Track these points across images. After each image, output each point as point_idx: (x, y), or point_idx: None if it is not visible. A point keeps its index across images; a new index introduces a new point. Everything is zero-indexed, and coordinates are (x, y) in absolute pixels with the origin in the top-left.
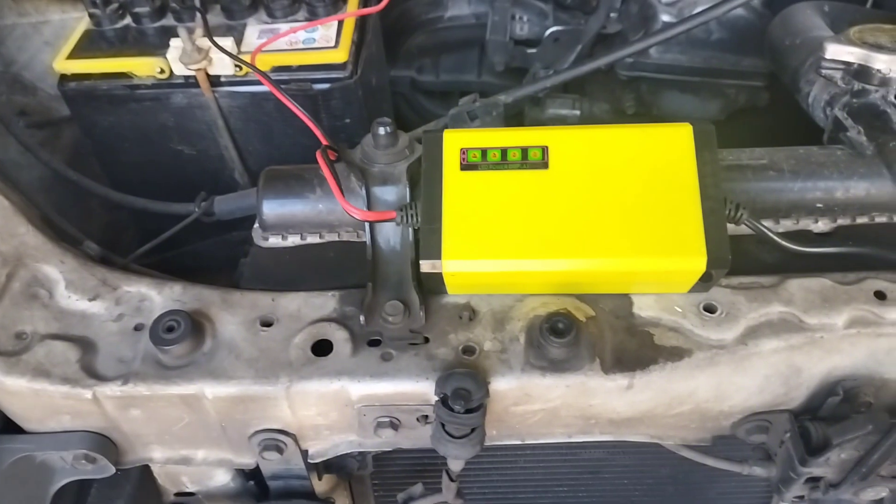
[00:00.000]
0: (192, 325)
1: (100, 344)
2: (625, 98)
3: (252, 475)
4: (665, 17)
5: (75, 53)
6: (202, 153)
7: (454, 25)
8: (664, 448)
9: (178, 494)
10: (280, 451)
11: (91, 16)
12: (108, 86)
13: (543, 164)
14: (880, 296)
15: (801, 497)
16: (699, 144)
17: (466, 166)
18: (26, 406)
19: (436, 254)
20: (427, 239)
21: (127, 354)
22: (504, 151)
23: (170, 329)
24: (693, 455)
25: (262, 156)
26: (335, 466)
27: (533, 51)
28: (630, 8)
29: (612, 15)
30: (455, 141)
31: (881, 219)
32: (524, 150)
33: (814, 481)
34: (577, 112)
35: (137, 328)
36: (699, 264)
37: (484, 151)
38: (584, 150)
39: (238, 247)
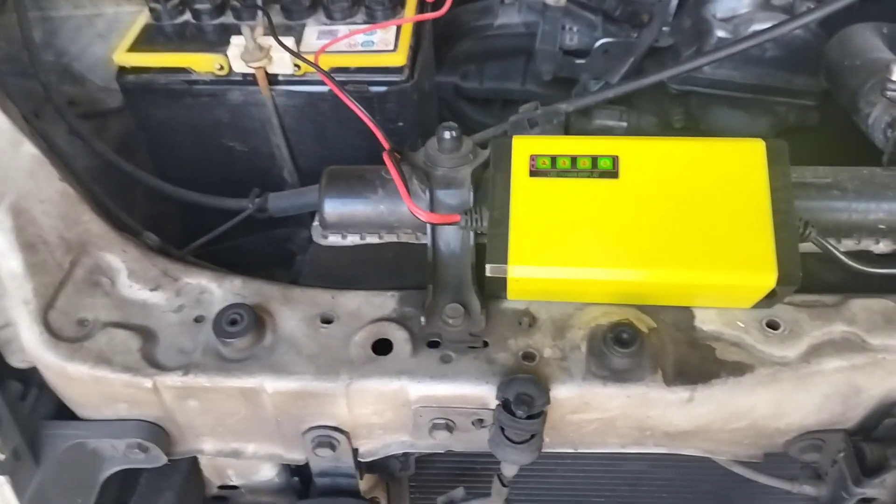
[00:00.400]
0: (255, 319)
1: (160, 334)
2: (673, 111)
3: (297, 471)
4: (720, 33)
5: (135, 47)
6: (253, 150)
7: (503, 34)
8: (709, 463)
9: (221, 487)
10: (333, 448)
11: (151, 10)
12: (166, 80)
13: (613, 174)
14: None
15: None
16: (772, 160)
17: (535, 172)
18: (85, 393)
19: (502, 258)
20: (494, 243)
21: (187, 345)
22: (574, 159)
23: (233, 322)
24: (744, 471)
25: (313, 156)
26: (378, 466)
27: (581, 61)
28: (683, 22)
29: (665, 29)
30: (525, 147)
31: None
32: (594, 159)
33: (865, 502)
34: (625, 124)
35: (198, 320)
36: (769, 280)
37: (553, 159)
38: (655, 162)
39: (280, 244)
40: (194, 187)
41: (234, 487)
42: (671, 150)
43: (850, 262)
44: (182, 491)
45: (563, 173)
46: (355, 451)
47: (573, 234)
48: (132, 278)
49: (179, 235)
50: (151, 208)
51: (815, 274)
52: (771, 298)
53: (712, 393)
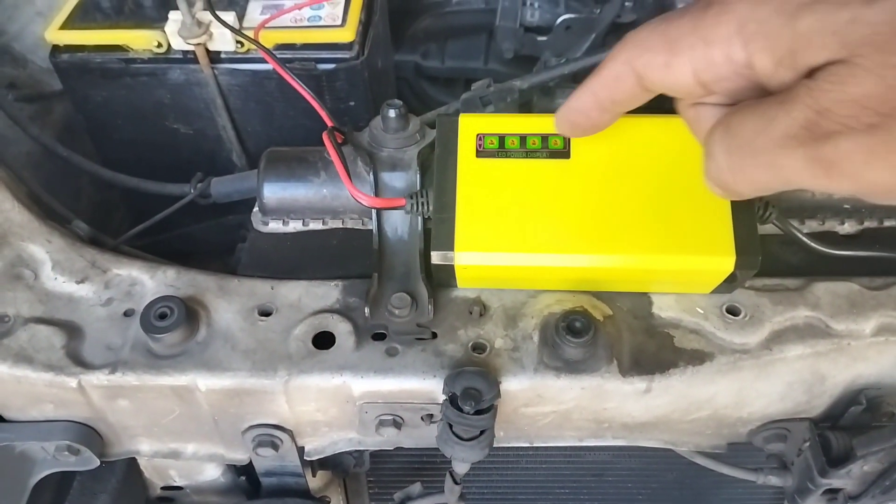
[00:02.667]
0: (186, 313)
1: (87, 329)
2: None
3: (244, 470)
4: (682, 6)
5: (69, 24)
6: (199, 133)
7: (462, 10)
8: (674, 453)
9: (165, 488)
10: (275, 447)
11: None
12: (102, 59)
13: (565, 154)
14: None
15: None
16: None
17: (483, 153)
18: (7, 393)
19: (448, 244)
20: (439, 229)
21: (116, 341)
22: (523, 138)
23: (162, 316)
24: (707, 462)
25: (261, 137)
26: (331, 463)
27: (543, 38)
28: None
29: (628, 4)
30: (471, 126)
31: None
32: (544, 138)
33: (832, 493)
34: None
35: (127, 314)
36: (727, 264)
37: (502, 138)
38: (608, 140)
39: (234, 231)
40: (139, 172)
41: (179, 488)
42: (626, 128)
43: (814, 245)
44: (118, 494)
45: (512, 153)
46: (301, 450)
47: (523, 218)
48: (57, 270)
49: (129, 226)
50: (98, 196)
51: (777, 256)
52: (731, 283)
53: (670, 383)
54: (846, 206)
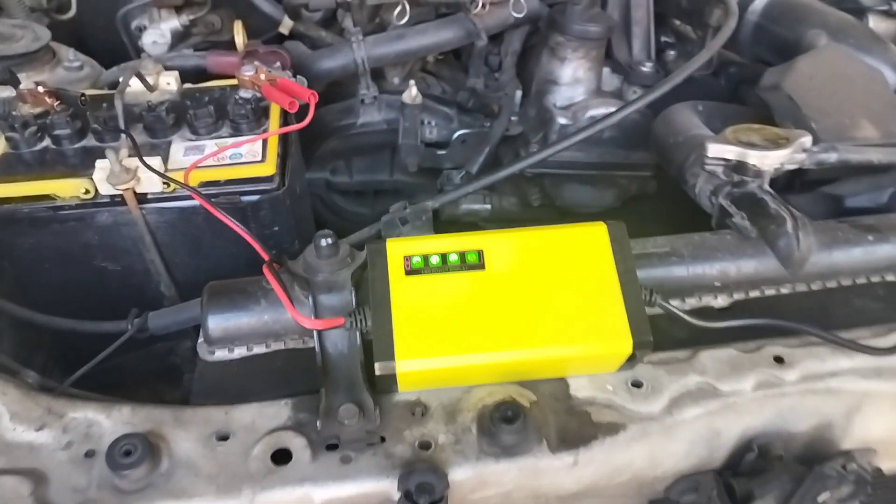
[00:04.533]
0: (149, 447)
1: (51, 475)
2: (530, 192)
3: None
4: (561, 120)
5: None
6: (126, 268)
7: (366, 131)
8: None
9: None
10: None
11: (8, 139)
12: (29, 209)
13: (480, 266)
14: (779, 360)
15: None
16: (613, 240)
17: (410, 271)
18: None
19: (389, 355)
20: (379, 342)
21: (81, 482)
22: (444, 256)
23: (127, 453)
24: None
25: (189, 267)
26: None
27: (442, 152)
28: (528, 112)
29: (513, 118)
30: (398, 249)
31: (770, 291)
32: (462, 255)
33: None
34: (489, 206)
35: (88, 455)
36: (626, 347)
37: (426, 257)
38: (514, 251)
39: (163, 358)
40: (67, 311)
41: None
42: (527, 239)
43: (693, 321)
44: None
45: (435, 269)
46: None
47: (452, 324)
48: (15, 420)
49: (53, 362)
50: (18, 336)
51: (667, 332)
52: (632, 361)
53: (593, 454)
54: (717, 284)
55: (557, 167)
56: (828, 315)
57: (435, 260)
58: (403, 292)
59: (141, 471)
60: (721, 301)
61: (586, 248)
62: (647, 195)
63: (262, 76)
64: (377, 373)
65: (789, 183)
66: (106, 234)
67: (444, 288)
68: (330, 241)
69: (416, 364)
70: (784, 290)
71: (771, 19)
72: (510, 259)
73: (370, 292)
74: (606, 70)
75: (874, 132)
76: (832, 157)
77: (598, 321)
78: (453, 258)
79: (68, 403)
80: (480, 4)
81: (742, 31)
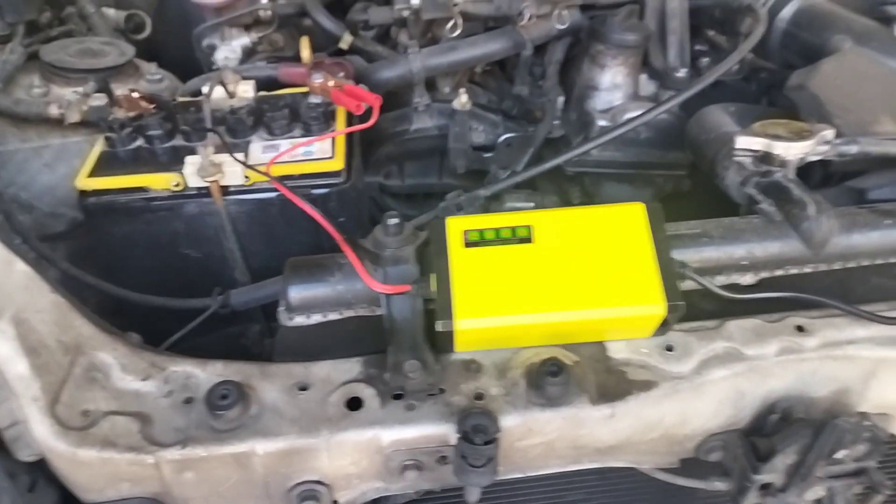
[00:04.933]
0: (242, 393)
1: (155, 417)
2: (571, 190)
3: None
4: (601, 122)
5: (94, 172)
6: (207, 255)
7: (418, 136)
8: (639, 484)
9: None
10: (317, 500)
11: (106, 139)
12: (125, 199)
13: (529, 240)
14: (800, 329)
15: None
16: (651, 218)
17: (469, 244)
18: (92, 476)
19: (448, 315)
20: (441, 304)
21: (181, 423)
22: (498, 231)
23: (223, 397)
24: (665, 476)
25: (262, 255)
26: None
27: (489, 155)
28: (570, 116)
29: (556, 122)
30: (458, 225)
31: (793, 270)
32: (513, 229)
33: (764, 488)
34: (532, 204)
35: (187, 401)
36: (661, 309)
37: (482, 232)
38: (560, 226)
39: (234, 340)
40: (152, 294)
41: None
42: (572, 216)
43: (722, 292)
44: None
45: (490, 242)
46: (335, 503)
47: (504, 289)
48: (124, 371)
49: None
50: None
51: (698, 306)
52: (664, 327)
53: (629, 408)
54: (744, 263)
55: (596, 166)
56: (847, 291)
57: (490, 234)
58: (461, 262)
59: (234, 412)
60: (748, 279)
61: (625, 224)
62: (681, 193)
63: (331, 83)
64: (438, 329)
65: (822, 179)
66: (191, 223)
67: (498, 258)
68: (397, 220)
69: (471, 323)
70: (807, 270)
71: (799, 26)
72: (556, 233)
73: (434, 261)
74: (643, 76)
75: (894, 127)
76: (853, 148)
77: (634, 286)
78: (506, 233)
79: (168, 359)
80: (527, 17)
81: (772, 37)
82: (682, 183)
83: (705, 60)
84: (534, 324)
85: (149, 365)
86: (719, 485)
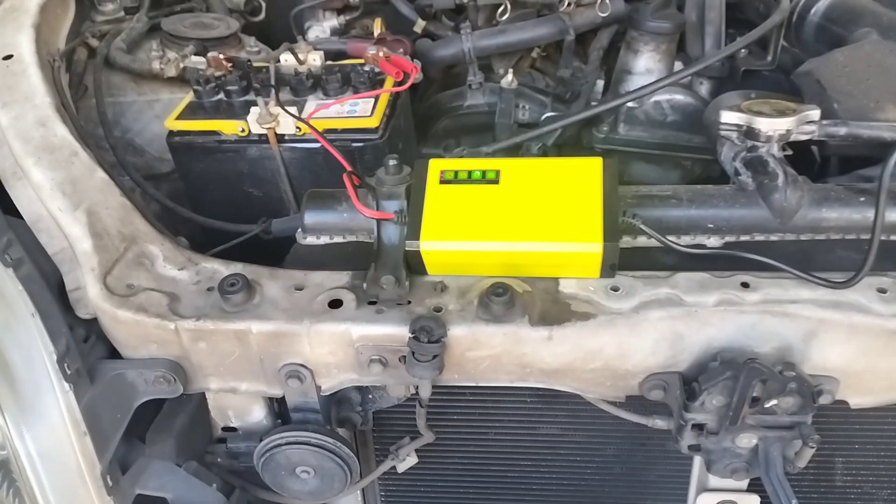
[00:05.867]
0: (247, 284)
1: (183, 297)
2: None
3: (280, 414)
4: (630, 104)
5: (181, 116)
6: (266, 195)
7: (472, 112)
8: (612, 429)
9: (224, 429)
10: (301, 379)
11: (194, 91)
12: (202, 140)
13: (496, 181)
14: (745, 285)
15: (697, 447)
16: (606, 171)
17: (443, 181)
18: (128, 334)
19: (416, 236)
20: (411, 228)
21: (200, 303)
22: (470, 172)
23: (232, 284)
24: (609, 408)
25: None
26: (343, 420)
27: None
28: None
29: (593, 104)
30: (436, 165)
31: (759, 237)
32: (483, 172)
33: (699, 429)
34: None
35: (209, 289)
36: (598, 248)
37: (456, 172)
38: (525, 173)
39: None
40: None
41: (234, 430)
42: (538, 165)
43: (666, 240)
44: (192, 417)
45: (462, 181)
46: (318, 388)
47: (469, 220)
48: (166, 261)
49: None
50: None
51: (657, 260)
52: (611, 269)
53: (566, 333)
54: (710, 226)
55: (624, 144)
56: (808, 260)
57: (463, 174)
58: (435, 195)
59: (239, 297)
60: (714, 241)
61: (582, 175)
62: (712, 178)
63: (381, 53)
64: (406, 248)
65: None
66: (253, 164)
67: (467, 195)
68: (394, 162)
69: (434, 245)
70: (773, 238)
71: (830, 20)
72: (521, 178)
73: (413, 194)
74: (678, 63)
75: None
76: (841, 130)
77: (578, 227)
78: (477, 174)
79: (202, 258)
80: (566, 4)
81: (805, 30)
82: (711, 168)
83: (742, 52)
84: (488, 251)
85: (186, 259)
86: (660, 422)
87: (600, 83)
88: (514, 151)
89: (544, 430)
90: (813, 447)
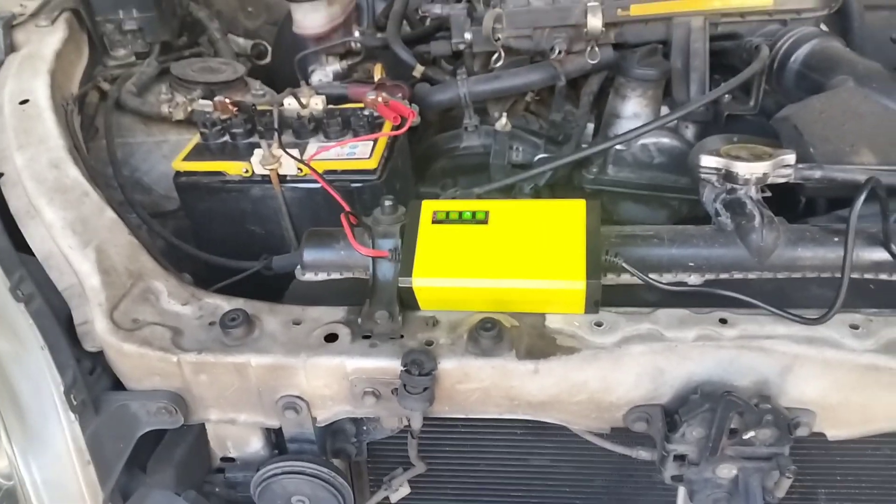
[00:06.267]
0: (247, 319)
1: (185, 331)
2: None
3: (277, 445)
4: (618, 147)
5: (188, 157)
6: (268, 233)
7: (468, 153)
8: (600, 461)
9: (223, 459)
10: (297, 411)
11: (201, 133)
12: (207, 180)
13: (485, 222)
14: (723, 321)
15: (680, 477)
16: (589, 213)
17: (436, 221)
18: (132, 367)
19: (409, 273)
20: (405, 265)
21: (202, 337)
22: (461, 213)
23: (232, 319)
24: (594, 439)
25: None
26: (339, 451)
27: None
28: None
29: (584, 146)
30: (429, 206)
31: (738, 275)
32: (473, 213)
33: (681, 459)
34: None
35: (211, 324)
36: (581, 286)
37: (447, 213)
38: (512, 214)
39: None
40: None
41: (232, 460)
42: (525, 207)
43: (647, 279)
44: (192, 447)
45: (453, 221)
46: (314, 420)
47: (459, 258)
48: (171, 297)
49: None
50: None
51: (643, 298)
52: (595, 305)
53: (551, 366)
54: (691, 264)
55: (613, 185)
56: (784, 297)
57: (454, 215)
58: (428, 234)
59: (239, 332)
60: (694, 279)
61: (567, 216)
62: (699, 218)
63: (380, 99)
64: (399, 285)
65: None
66: (256, 203)
67: (457, 234)
68: (390, 203)
69: (426, 282)
70: (751, 276)
71: (809, 67)
72: (508, 219)
73: (407, 234)
74: (665, 108)
75: (873, 159)
76: (816, 173)
77: (563, 265)
78: (467, 214)
79: (205, 294)
80: (557, 52)
81: (786, 77)
82: (698, 208)
83: (727, 97)
84: (477, 287)
85: (189, 295)
86: (644, 454)
87: (590, 126)
88: (508, 192)
89: (534, 462)
90: (790, 477)
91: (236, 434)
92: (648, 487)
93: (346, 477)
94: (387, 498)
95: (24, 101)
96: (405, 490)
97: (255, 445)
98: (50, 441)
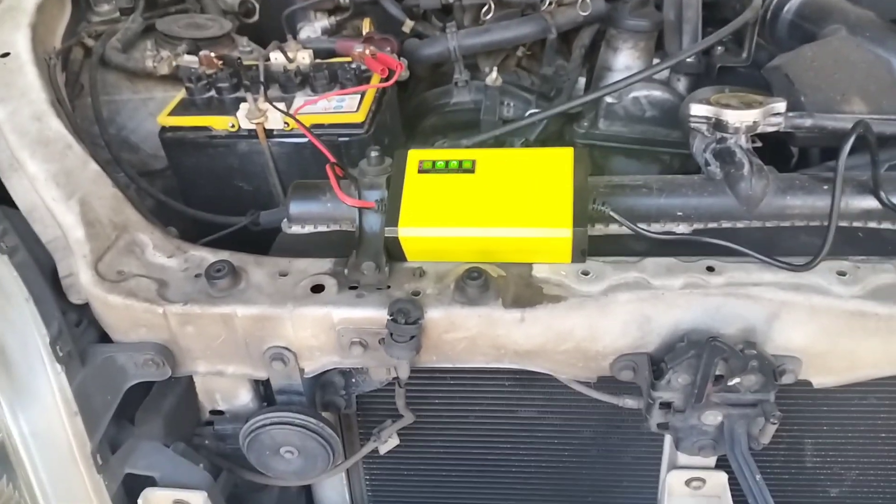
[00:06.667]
0: (233, 270)
1: (171, 283)
2: None
3: (265, 398)
4: (609, 100)
5: (173, 112)
6: (256, 189)
7: (458, 109)
8: (588, 411)
9: (212, 412)
10: (284, 362)
11: (187, 88)
12: (193, 135)
13: (472, 171)
14: (710, 269)
15: (665, 425)
16: (577, 161)
17: (422, 171)
18: (118, 318)
19: (395, 223)
20: (390, 215)
21: (188, 289)
22: (447, 162)
23: (217, 270)
24: (581, 388)
25: None
26: (329, 404)
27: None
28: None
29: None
30: (415, 155)
31: (727, 224)
32: (460, 161)
33: (667, 407)
34: None
35: (197, 276)
36: (567, 234)
37: (434, 161)
38: (500, 162)
39: None
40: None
41: (221, 413)
42: (512, 155)
43: (632, 226)
44: (180, 399)
45: (439, 171)
46: (302, 371)
47: (445, 208)
48: (156, 249)
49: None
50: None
51: (629, 247)
52: (582, 254)
53: (537, 315)
54: (679, 213)
55: (604, 139)
56: (772, 245)
57: (440, 164)
58: (414, 184)
59: (225, 283)
60: (683, 228)
61: (554, 164)
62: (689, 173)
63: (367, 52)
64: (385, 235)
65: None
66: (243, 159)
67: (444, 184)
68: (376, 153)
69: (411, 231)
70: (740, 225)
71: (802, 17)
72: (495, 168)
73: (393, 183)
74: (657, 60)
75: (864, 107)
76: (807, 122)
77: (549, 213)
78: (453, 163)
79: (191, 247)
80: (548, 3)
81: (779, 28)
82: (689, 162)
83: (719, 49)
84: (464, 237)
85: (175, 248)
86: (630, 402)
87: (582, 80)
88: (499, 147)
89: (522, 413)
90: (775, 423)
91: (225, 386)
92: (635, 438)
93: (335, 428)
94: (376, 449)
95: (5, 55)
96: (394, 441)
97: (244, 398)
98: (37, 393)
